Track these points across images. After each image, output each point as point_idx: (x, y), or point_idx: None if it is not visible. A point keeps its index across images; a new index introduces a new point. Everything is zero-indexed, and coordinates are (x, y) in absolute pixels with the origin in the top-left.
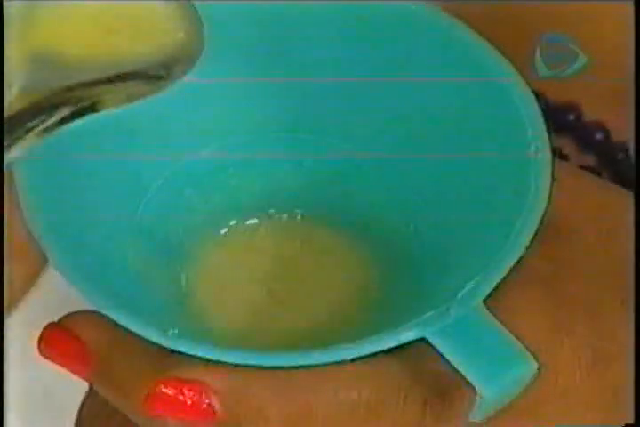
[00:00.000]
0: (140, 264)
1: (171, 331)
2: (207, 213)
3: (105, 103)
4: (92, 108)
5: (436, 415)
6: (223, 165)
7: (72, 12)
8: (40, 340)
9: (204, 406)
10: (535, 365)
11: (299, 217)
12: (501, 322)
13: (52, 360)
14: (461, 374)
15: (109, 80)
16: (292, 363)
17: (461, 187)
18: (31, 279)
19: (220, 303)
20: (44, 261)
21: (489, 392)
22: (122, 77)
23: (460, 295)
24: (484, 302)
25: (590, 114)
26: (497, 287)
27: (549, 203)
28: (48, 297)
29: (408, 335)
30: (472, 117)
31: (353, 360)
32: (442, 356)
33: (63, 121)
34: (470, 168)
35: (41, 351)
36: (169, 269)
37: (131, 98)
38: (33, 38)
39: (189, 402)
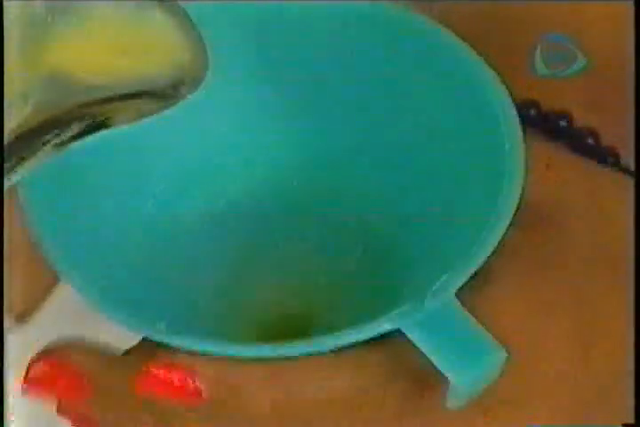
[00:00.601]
0: (140, 260)
1: (162, 324)
2: (210, 212)
3: (115, 120)
4: (104, 125)
5: (415, 406)
6: (224, 164)
7: (85, 33)
8: (27, 374)
9: (192, 388)
10: (504, 354)
11: (292, 211)
12: (488, 311)
13: (44, 393)
14: (434, 364)
15: (120, 98)
16: (273, 354)
17: (438, 183)
18: (43, 293)
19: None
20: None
21: (459, 380)
22: (132, 96)
23: (433, 288)
24: (471, 291)
25: (581, 119)
26: (484, 275)
27: (539, 192)
28: (60, 312)
29: (384, 327)
30: (452, 118)
31: (332, 351)
32: (416, 347)
33: (76, 136)
34: (448, 165)
35: (29, 387)
36: (172, 266)
37: (140, 115)
38: (48, 57)
39: (178, 383)
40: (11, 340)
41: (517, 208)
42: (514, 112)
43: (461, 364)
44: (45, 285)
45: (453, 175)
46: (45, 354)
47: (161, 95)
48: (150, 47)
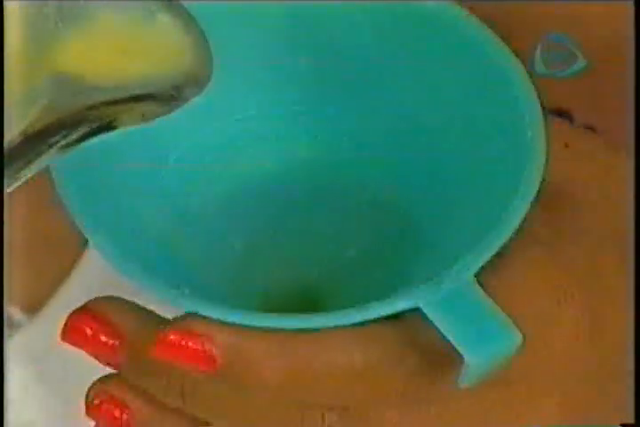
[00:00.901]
0: (160, 229)
1: (184, 290)
2: (225, 182)
3: (121, 122)
4: (109, 127)
5: (426, 383)
6: (241, 135)
7: (92, 37)
8: (65, 325)
9: (207, 355)
10: (519, 337)
11: (308, 185)
12: (501, 292)
13: (79, 345)
14: (450, 343)
15: (126, 101)
16: (291, 326)
17: (461, 166)
18: (64, 272)
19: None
20: (76, 255)
21: (474, 360)
22: (137, 98)
23: (453, 269)
24: (486, 272)
25: (581, 119)
26: (499, 256)
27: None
28: (81, 289)
29: (402, 304)
30: (477, 104)
31: (347, 326)
32: (433, 325)
33: (83, 138)
34: (472, 150)
35: (66, 337)
36: (189, 235)
37: (145, 117)
38: (55, 61)
39: (194, 350)
40: (22, 333)
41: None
42: (537, 102)
43: (477, 344)
44: (53, 279)
45: (476, 159)
46: (85, 309)
47: (165, 98)
48: (155, 50)
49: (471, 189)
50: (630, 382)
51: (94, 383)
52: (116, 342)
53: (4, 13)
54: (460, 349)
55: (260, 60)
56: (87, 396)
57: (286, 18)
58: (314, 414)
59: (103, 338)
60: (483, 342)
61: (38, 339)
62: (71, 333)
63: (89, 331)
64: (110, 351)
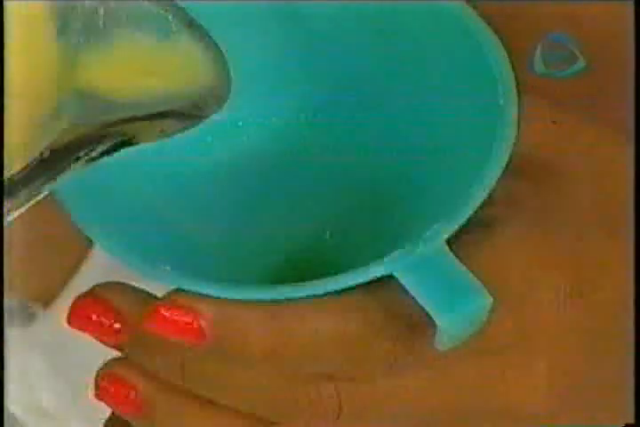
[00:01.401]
0: (152, 204)
1: (167, 267)
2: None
3: (141, 138)
4: (130, 142)
5: (408, 349)
6: (242, 115)
7: (115, 55)
8: (71, 311)
9: (195, 328)
10: (489, 300)
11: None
12: (490, 257)
13: (84, 329)
14: (423, 308)
15: (147, 117)
16: (271, 297)
17: (438, 134)
18: (70, 271)
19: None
20: (82, 253)
21: (444, 323)
22: (157, 115)
23: (424, 236)
24: (476, 241)
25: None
26: (488, 226)
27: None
28: (89, 281)
29: (376, 272)
30: (453, 74)
31: (327, 294)
32: (407, 291)
33: (106, 152)
34: (448, 119)
35: (72, 323)
36: (181, 208)
37: (164, 133)
38: (79, 78)
39: (182, 324)
40: (37, 323)
41: (510, 160)
42: (511, 72)
43: (447, 307)
44: (65, 273)
45: (451, 129)
46: (88, 295)
47: (185, 115)
48: (176, 68)
49: (446, 159)
50: (630, 382)
51: (102, 366)
52: (119, 325)
53: (4, 13)
54: (430, 312)
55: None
56: (96, 379)
57: None
58: (309, 388)
59: (106, 321)
60: (452, 306)
61: (52, 329)
62: (76, 318)
63: (93, 316)
64: (113, 334)
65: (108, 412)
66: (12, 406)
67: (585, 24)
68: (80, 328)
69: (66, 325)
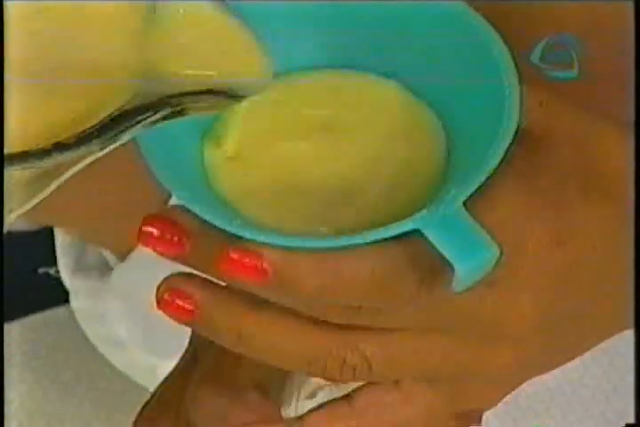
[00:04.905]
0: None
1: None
2: None
3: (191, 110)
4: (182, 113)
5: (431, 289)
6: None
7: (181, 36)
8: (141, 226)
9: (260, 269)
10: (497, 250)
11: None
12: (485, 209)
13: (149, 246)
14: (444, 256)
15: (198, 93)
16: (319, 245)
17: (455, 115)
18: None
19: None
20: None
21: (462, 269)
22: (208, 92)
23: (446, 198)
24: (477, 197)
25: None
26: (488, 187)
27: (525, 124)
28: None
29: (406, 227)
30: (464, 68)
31: (366, 244)
32: (430, 243)
33: (161, 119)
34: (463, 103)
35: (139, 240)
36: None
37: (211, 108)
38: (146, 52)
39: (250, 265)
40: (118, 271)
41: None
42: (511, 60)
43: (464, 257)
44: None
45: (467, 111)
46: (153, 213)
47: (231, 94)
48: (229, 56)
49: (462, 139)
50: (630, 382)
51: (162, 281)
52: (181, 239)
53: (4, 13)
54: (451, 260)
55: None
56: (157, 292)
57: None
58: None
59: (168, 236)
60: (468, 255)
61: (127, 278)
62: (142, 235)
63: (156, 232)
64: (174, 248)
65: (165, 344)
66: (93, 340)
67: (586, 24)
68: (146, 245)
69: (138, 275)
